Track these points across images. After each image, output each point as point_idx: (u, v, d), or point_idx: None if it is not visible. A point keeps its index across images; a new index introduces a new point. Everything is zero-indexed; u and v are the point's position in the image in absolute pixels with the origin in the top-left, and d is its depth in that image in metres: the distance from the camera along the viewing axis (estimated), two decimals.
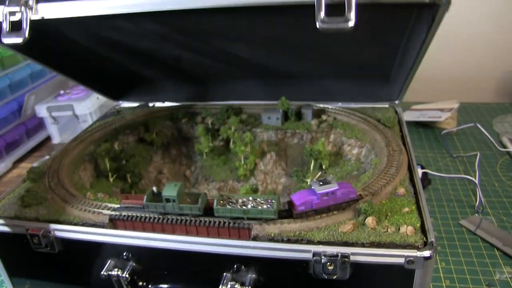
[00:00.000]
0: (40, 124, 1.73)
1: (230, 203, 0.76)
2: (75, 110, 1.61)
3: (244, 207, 0.75)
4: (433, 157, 1.33)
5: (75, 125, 1.72)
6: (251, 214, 0.75)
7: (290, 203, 0.77)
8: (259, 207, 0.75)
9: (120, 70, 1.26)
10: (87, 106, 1.61)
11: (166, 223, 0.78)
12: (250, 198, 0.77)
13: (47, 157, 1.59)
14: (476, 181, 1.14)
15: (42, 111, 1.63)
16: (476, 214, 1.08)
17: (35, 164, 1.54)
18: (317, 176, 0.82)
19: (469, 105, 1.68)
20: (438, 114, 1.47)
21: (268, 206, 0.75)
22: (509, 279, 0.90)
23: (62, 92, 1.72)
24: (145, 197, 0.79)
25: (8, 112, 1.55)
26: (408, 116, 1.51)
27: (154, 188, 0.80)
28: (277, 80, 1.24)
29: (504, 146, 1.34)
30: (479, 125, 1.40)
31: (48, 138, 1.75)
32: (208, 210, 0.77)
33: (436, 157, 1.33)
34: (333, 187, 0.74)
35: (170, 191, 0.76)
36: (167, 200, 0.77)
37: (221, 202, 0.77)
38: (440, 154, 1.35)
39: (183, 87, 1.31)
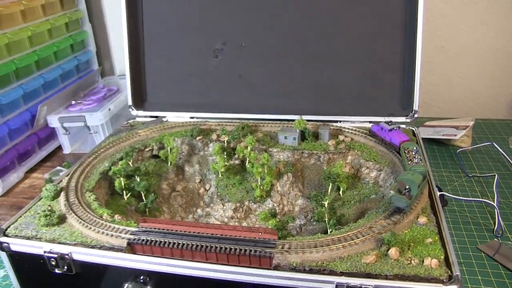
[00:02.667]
0: (51, 134, 1.72)
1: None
2: (87, 121, 1.60)
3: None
4: (449, 177, 1.32)
5: (86, 135, 1.72)
6: None
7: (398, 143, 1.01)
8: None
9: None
10: (98, 117, 1.60)
11: (186, 249, 0.77)
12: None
13: (58, 167, 1.60)
14: (495, 204, 1.13)
15: (54, 121, 1.62)
16: (495, 239, 1.07)
17: (46, 175, 1.55)
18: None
19: (484, 122, 1.66)
20: (453, 131, 1.46)
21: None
22: None
23: (73, 102, 1.72)
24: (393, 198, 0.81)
25: (21, 122, 1.54)
26: (422, 132, 1.49)
27: (392, 192, 0.83)
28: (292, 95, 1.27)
29: None
30: (495, 144, 1.38)
31: (59, 148, 1.74)
32: None
33: (451, 177, 1.32)
34: None
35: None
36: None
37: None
38: (455, 173, 1.33)
39: (197, 97, 1.33)
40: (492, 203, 1.14)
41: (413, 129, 1.16)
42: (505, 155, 1.36)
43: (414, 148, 0.97)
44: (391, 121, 1.08)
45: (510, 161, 1.35)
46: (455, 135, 1.44)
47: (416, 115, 1.18)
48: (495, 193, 1.18)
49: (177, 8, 1.32)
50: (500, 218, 1.09)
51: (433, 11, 1.69)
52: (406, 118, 1.19)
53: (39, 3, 1.64)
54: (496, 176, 1.25)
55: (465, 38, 1.72)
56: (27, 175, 1.58)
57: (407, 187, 0.81)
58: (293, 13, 1.25)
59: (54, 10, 1.75)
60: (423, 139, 1.45)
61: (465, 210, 1.17)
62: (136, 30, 1.35)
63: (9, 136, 1.51)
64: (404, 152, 0.97)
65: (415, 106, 1.18)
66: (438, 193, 0.96)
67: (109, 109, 1.65)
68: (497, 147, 1.38)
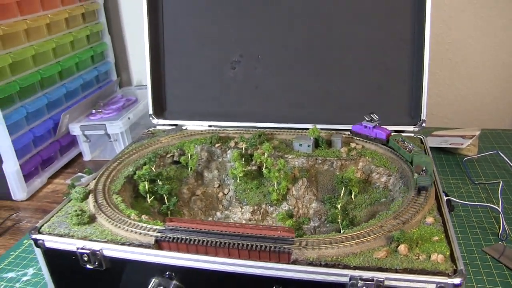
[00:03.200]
0: (72, 142, 1.80)
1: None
2: (108, 129, 1.68)
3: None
4: (455, 184, 1.37)
5: (105, 143, 1.80)
6: None
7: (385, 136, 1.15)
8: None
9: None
10: (119, 125, 1.68)
11: (210, 246, 0.83)
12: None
13: (79, 174, 1.67)
14: (500, 209, 1.18)
15: (75, 129, 1.70)
16: (500, 242, 1.12)
17: (68, 181, 1.62)
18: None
19: (490, 132, 1.72)
20: (460, 141, 1.52)
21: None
22: None
23: (94, 111, 1.79)
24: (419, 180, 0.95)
25: (45, 130, 1.62)
26: (430, 142, 1.55)
27: (416, 175, 0.96)
28: (306, 105, 1.34)
29: None
30: (500, 153, 1.44)
31: (79, 155, 1.82)
32: None
33: (458, 184, 1.37)
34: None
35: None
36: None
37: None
38: (462, 180, 1.39)
39: (215, 107, 1.42)
40: (497, 208, 1.20)
41: (421, 137, 1.22)
42: (510, 163, 1.42)
43: (401, 138, 1.12)
44: (372, 118, 1.18)
45: None
46: (462, 144, 1.50)
47: (423, 124, 1.24)
48: (500, 198, 1.24)
49: (196, 22, 1.40)
50: (504, 222, 1.15)
51: (441, 25, 1.76)
52: (414, 127, 1.25)
53: (63, 16, 1.72)
54: (501, 183, 1.31)
55: (472, 51, 1.79)
56: (49, 181, 1.66)
57: (424, 168, 0.95)
58: (306, 27, 1.33)
59: (77, 23, 1.83)
60: (432, 147, 1.52)
61: (471, 215, 1.22)
62: (157, 43, 1.43)
63: (34, 143, 1.59)
64: (396, 142, 1.11)
65: (423, 116, 1.24)
66: (445, 198, 1.02)
67: (129, 118, 1.72)
68: (502, 155, 1.43)
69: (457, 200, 1.24)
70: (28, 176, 1.56)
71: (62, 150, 1.76)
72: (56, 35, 1.70)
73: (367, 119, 1.18)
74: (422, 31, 1.23)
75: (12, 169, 1.46)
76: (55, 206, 1.04)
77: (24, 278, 1.14)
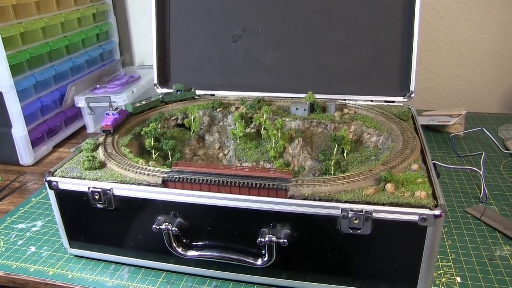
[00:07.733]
0: (76, 115, 1.86)
1: None
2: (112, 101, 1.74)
3: None
4: (442, 157, 1.46)
5: None
6: None
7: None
8: None
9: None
10: (123, 98, 1.74)
11: (213, 184, 0.90)
12: None
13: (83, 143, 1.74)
14: (481, 174, 1.26)
15: (81, 101, 1.76)
16: (480, 204, 1.20)
17: (72, 150, 1.69)
18: None
19: (476, 114, 1.81)
20: (447, 119, 1.60)
21: None
22: (508, 256, 1.01)
23: (98, 86, 1.86)
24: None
25: (51, 100, 1.68)
26: (420, 120, 1.63)
27: None
28: (303, 77, 1.43)
29: (508, 149, 1.47)
30: (485, 129, 1.52)
31: (83, 128, 1.89)
32: None
33: (444, 157, 1.45)
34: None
35: None
36: None
37: None
38: (448, 154, 1.47)
39: (216, 78, 1.50)
40: (478, 170, 1.28)
41: (409, 106, 1.30)
42: (493, 139, 1.50)
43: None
44: (114, 107, 1.26)
45: (498, 144, 1.49)
46: (449, 122, 1.58)
47: (412, 95, 1.32)
48: (481, 166, 1.32)
49: None
50: (485, 186, 1.23)
51: (432, 13, 1.85)
52: (403, 98, 1.33)
53: None
54: (484, 153, 1.39)
55: (461, 39, 1.87)
56: (54, 149, 1.72)
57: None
58: (306, 5, 1.41)
59: (84, 1, 1.90)
60: (422, 125, 1.59)
61: (455, 182, 1.30)
62: (163, 14, 1.50)
63: (41, 112, 1.65)
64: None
65: (412, 88, 1.32)
66: (431, 162, 1.10)
67: (133, 92, 1.79)
68: (487, 132, 1.51)
69: (442, 164, 1.32)
70: (34, 142, 1.62)
71: (67, 122, 1.82)
72: (64, 10, 1.76)
73: (111, 109, 1.25)
74: (413, 10, 1.31)
75: (21, 134, 1.52)
76: None
77: (34, 229, 1.20)
